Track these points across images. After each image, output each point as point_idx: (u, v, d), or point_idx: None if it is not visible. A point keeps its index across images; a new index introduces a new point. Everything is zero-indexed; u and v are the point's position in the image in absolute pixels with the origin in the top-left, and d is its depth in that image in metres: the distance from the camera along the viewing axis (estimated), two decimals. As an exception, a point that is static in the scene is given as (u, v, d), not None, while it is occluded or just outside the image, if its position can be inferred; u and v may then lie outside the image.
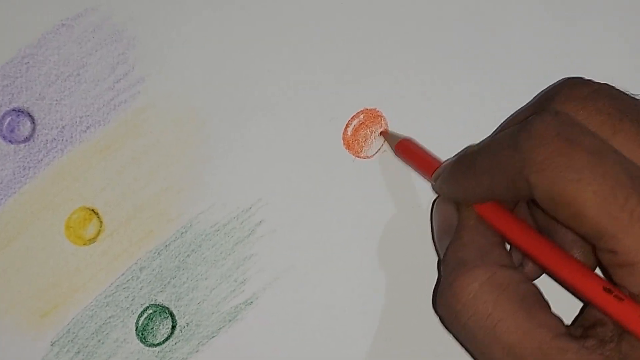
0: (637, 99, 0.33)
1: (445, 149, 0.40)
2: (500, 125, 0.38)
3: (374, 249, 0.39)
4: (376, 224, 0.40)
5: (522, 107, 0.35)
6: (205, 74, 0.39)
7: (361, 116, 0.40)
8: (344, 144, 0.40)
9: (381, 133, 0.40)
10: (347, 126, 0.40)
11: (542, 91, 0.34)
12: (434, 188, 0.36)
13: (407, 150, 0.39)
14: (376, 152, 0.40)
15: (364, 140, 0.40)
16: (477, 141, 0.36)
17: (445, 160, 0.37)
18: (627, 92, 0.34)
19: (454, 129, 0.40)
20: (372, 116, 0.40)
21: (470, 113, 0.40)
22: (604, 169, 0.29)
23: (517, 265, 0.35)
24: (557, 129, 0.30)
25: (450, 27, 0.41)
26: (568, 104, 0.32)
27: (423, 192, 0.39)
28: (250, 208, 0.39)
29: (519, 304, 0.31)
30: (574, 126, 0.30)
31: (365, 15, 0.40)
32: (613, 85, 0.33)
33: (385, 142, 0.40)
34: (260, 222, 0.39)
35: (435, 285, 0.38)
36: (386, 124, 0.40)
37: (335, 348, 0.39)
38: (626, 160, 0.29)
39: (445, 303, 0.32)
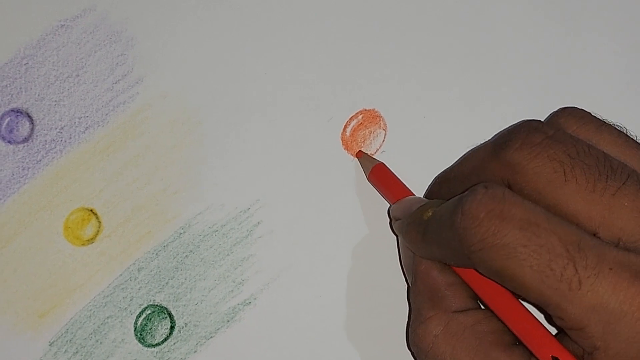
0: (605, 125, 0.33)
1: (442, 149, 0.40)
2: (464, 155, 0.37)
3: (372, 249, 0.39)
4: (375, 224, 0.39)
5: (480, 144, 0.35)
6: (204, 74, 0.39)
7: (360, 117, 0.40)
8: (342, 144, 0.40)
9: (357, 155, 0.40)
10: (345, 127, 0.40)
11: (498, 133, 0.34)
12: (391, 226, 0.37)
13: (378, 177, 0.39)
14: (375, 153, 0.40)
15: (362, 140, 0.40)
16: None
17: (401, 199, 0.37)
18: (597, 116, 0.33)
19: (452, 130, 0.40)
20: (370, 117, 0.40)
21: (468, 114, 0.40)
22: (538, 242, 0.29)
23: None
24: (487, 206, 0.30)
25: (449, 28, 0.41)
26: (522, 150, 0.32)
27: (421, 192, 0.39)
28: (249, 209, 0.39)
29: (476, 350, 0.32)
30: (504, 200, 0.30)
31: (364, 16, 0.40)
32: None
33: (384, 141, 0.40)
34: (258, 222, 0.39)
35: (407, 323, 0.38)
36: (385, 124, 0.40)
37: (333, 348, 0.39)
38: (560, 226, 0.29)
39: (414, 350, 0.34)
